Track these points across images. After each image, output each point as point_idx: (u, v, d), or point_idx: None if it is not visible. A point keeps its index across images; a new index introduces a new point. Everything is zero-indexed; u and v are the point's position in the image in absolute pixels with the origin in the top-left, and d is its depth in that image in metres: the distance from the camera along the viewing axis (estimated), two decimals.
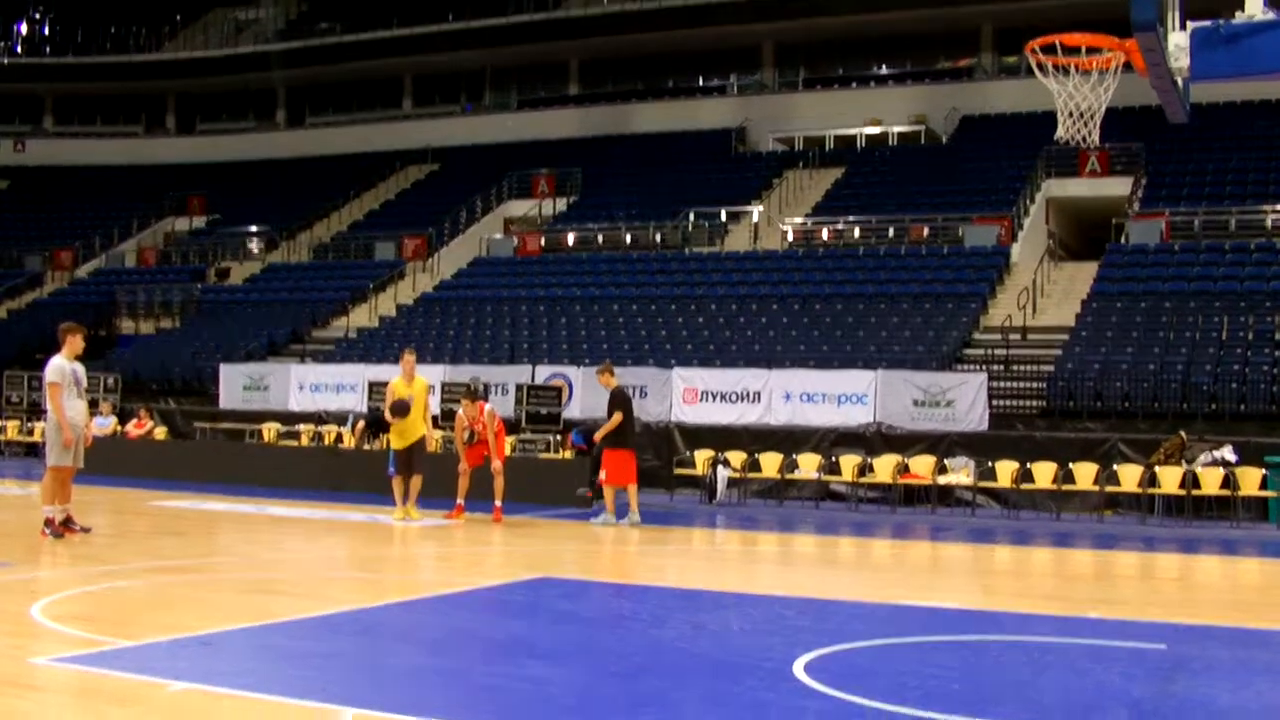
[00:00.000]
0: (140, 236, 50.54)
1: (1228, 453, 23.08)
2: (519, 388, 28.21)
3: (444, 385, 29.05)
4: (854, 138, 47.62)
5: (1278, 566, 17.77)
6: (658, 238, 40.51)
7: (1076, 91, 13.71)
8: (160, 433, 31.37)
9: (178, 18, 59.16)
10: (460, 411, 20.47)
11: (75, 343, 15.91)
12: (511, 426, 25.90)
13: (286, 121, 58.38)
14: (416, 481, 19.59)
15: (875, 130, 47.31)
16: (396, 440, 19.72)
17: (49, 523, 15.53)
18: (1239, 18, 12.75)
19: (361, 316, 39.00)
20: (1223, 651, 10.42)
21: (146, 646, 8.95)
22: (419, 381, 19.86)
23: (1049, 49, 13.73)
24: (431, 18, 51.59)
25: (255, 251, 47.02)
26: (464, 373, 29.85)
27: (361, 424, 27.74)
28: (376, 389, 29.60)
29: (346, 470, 25.61)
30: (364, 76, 55.23)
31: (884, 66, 50.12)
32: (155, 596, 11.65)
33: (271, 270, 44.97)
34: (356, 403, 30.65)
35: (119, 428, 30.51)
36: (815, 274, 35.51)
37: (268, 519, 20.03)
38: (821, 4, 46.77)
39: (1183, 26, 12.84)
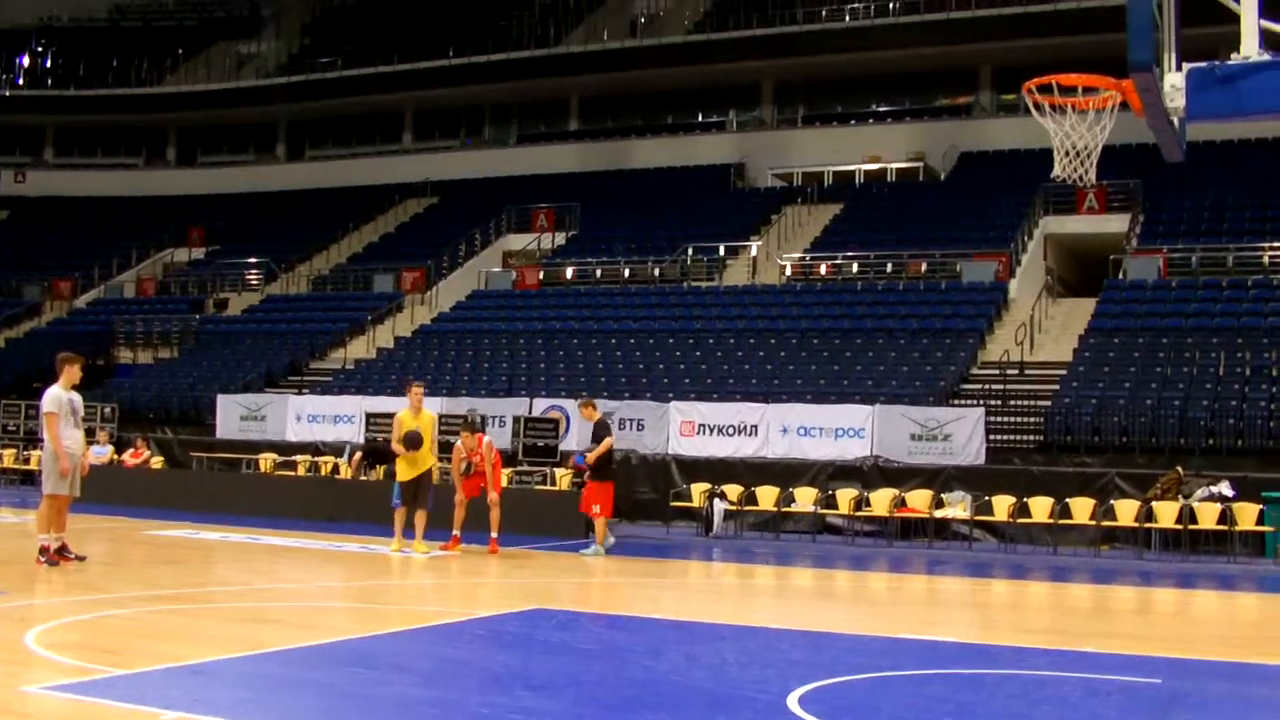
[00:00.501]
0: (140, 267, 50.57)
1: (1225, 488, 23.07)
2: (516, 420, 28.22)
3: (441, 417, 28.99)
4: (852, 174, 47.67)
5: (1274, 601, 17.76)
6: (656, 272, 40.55)
7: (1073, 130, 13.73)
8: (157, 462, 31.35)
9: (180, 51, 59.34)
10: (458, 443, 20.50)
11: (73, 372, 15.95)
12: (508, 459, 25.92)
13: (287, 154, 58.51)
14: (423, 516, 19.41)
15: (874, 166, 47.37)
16: (405, 471, 19.52)
17: (44, 551, 15.53)
18: (1234, 59, 12.79)
19: (359, 348, 39.00)
20: (1218, 686, 10.43)
21: (139, 675, 8.94)
22: (426, 414, 19.85)
23: (1045, 88, 13.75)
24: (432, 53, 51.71)
25: (254, 283, 47.03)
26: (461, 405, 29.86)
27: (358, 455, 27.77)
28: (374, 420, 29.68)
29: (343, 501, 25.58)
30: (364, 110, 55.37)
31: (883, 104, 50.23)
32: (149, 625, 11.64)
33: (270, 301, 45.00)
34: (353, 434, 30.67)
35: (116, 456, 30.47)
36: (813, 309, 35.54)
37: (263, 549, 20.01)
38: (821, 42, 46.90)
39: (1179, 67, 12.88)
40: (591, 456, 20.73)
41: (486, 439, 20.54)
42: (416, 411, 19.61)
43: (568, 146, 52.18)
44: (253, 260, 47.60)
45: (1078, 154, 13.74)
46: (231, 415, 33.47)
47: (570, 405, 29.40)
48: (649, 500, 26.16)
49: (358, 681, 9.27)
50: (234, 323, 43.25)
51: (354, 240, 49.37)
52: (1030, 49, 41.03)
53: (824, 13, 47.34)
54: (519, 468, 26.48)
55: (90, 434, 26.11)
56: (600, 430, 20.68)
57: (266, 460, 30.36)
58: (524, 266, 43.19)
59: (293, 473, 29.39)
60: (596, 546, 20.10)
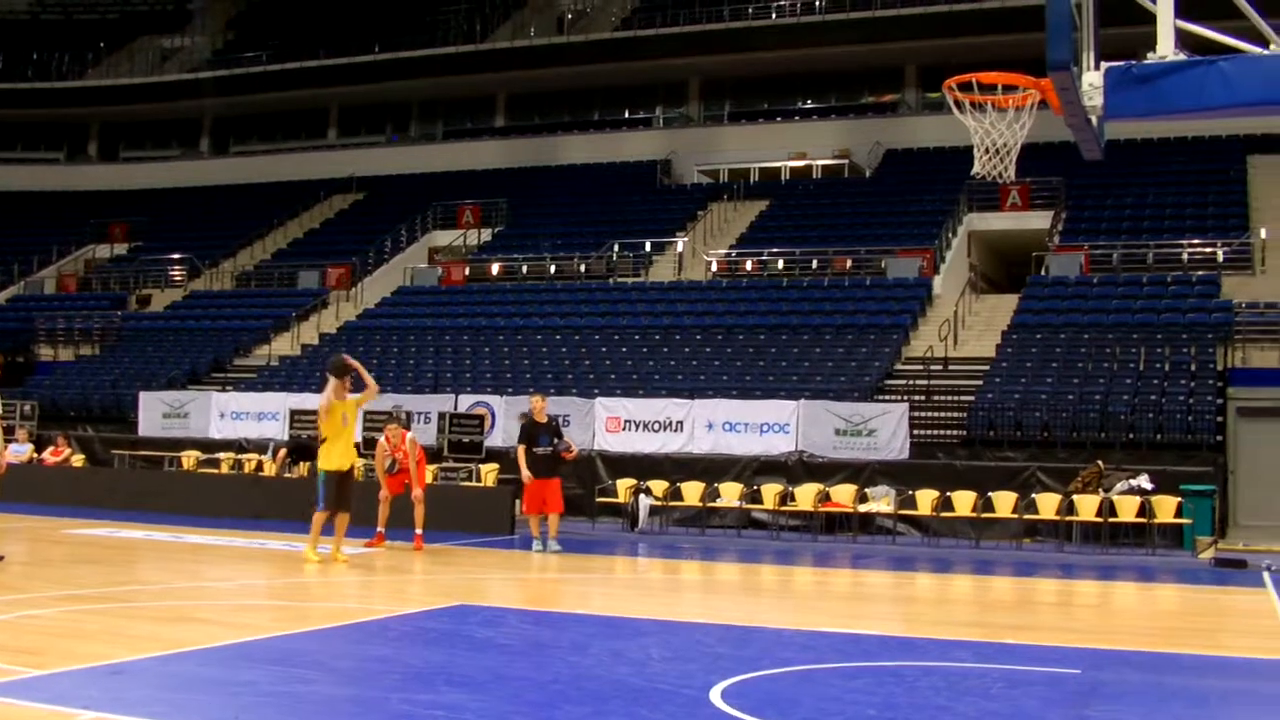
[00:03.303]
0: (61, 264, 49.93)
1: (1144, 481, 23.39)
2: (441, 416, 28.18)
3: (366, 414, 28.92)
4: (779, 170, 47.84)
5: (1192, 592, 17.98)
6: (583, 268, 40.54)
7: (993, 128, 13.85)
8: (78, 460, 30.97)
9: (102, 44, 58.68)
10: (381, 439, 20.41)
11: None
12: (434, 455, 25.85)
13: (211, 149, 57.94)
14: (343, 520, 18.02)
15: (800, 164, 47.54)
16: (330, 459, 17.87)
17: None
18: (1151, 58, 12.93)
19: (284, 345, 38.75)
20: (1136, 676, 10.55)
21: (57, 675, 8.85)
22: (353, 398, 18.33)
23: (966, 86, 13.86)
24: (358, 49, 51.45)
25: (177, 279, 46.56)
26: (387, 401, 29.67)
27: (283, 452, 27.61)
28: (298, 417, 29.54)
29: (267, 499, 25.38)
30: (290, 106, 54.92)
31: (809, 101, 50.37)
32: (69, 626, 11.51)
33: (194, 298, 44.60)
34: (278, 431, 30.51)
35: (35, 455, 30.11)
36: (739, 305, 35.65)
37: (186, 547, 19.83)
38: (748, 39, 47.05)
39: (1097, 66, 13.01)
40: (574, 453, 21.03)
41: (410, 435, 20.47)
42: (341, 399, 17.96)
43: (495, 143, 52.05)
44: (176, 256, 47.14)
45: (997, 151, 13.86)
46: (154, 413, 33.18)
47: (495, 400, 29.46)
48: (574, 496, 26.12)
49: (278, 680, 9.21)
50: (157, 319, 42.83)
51: (279, 236, 49.01)
52: (955, 48, 41.35)
53: (751, 10, 47.49)
54: (444, 464, 26.40)
55: (10, 432, 25.81)
56: (556, 425, 20.84)
57: (190, 458, 30.13)
58: (450, 263, 43.07)
59: (216, 470, 29.16)
60: (551, 541, 20.09)
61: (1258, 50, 12.80)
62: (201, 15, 60.70)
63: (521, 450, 20.31)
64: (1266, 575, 19.04)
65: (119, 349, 40.49)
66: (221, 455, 29.97)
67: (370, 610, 13.41)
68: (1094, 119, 13.30)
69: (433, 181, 49.01)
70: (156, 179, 55.43)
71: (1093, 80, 12.86)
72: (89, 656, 9.59)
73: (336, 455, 18.01)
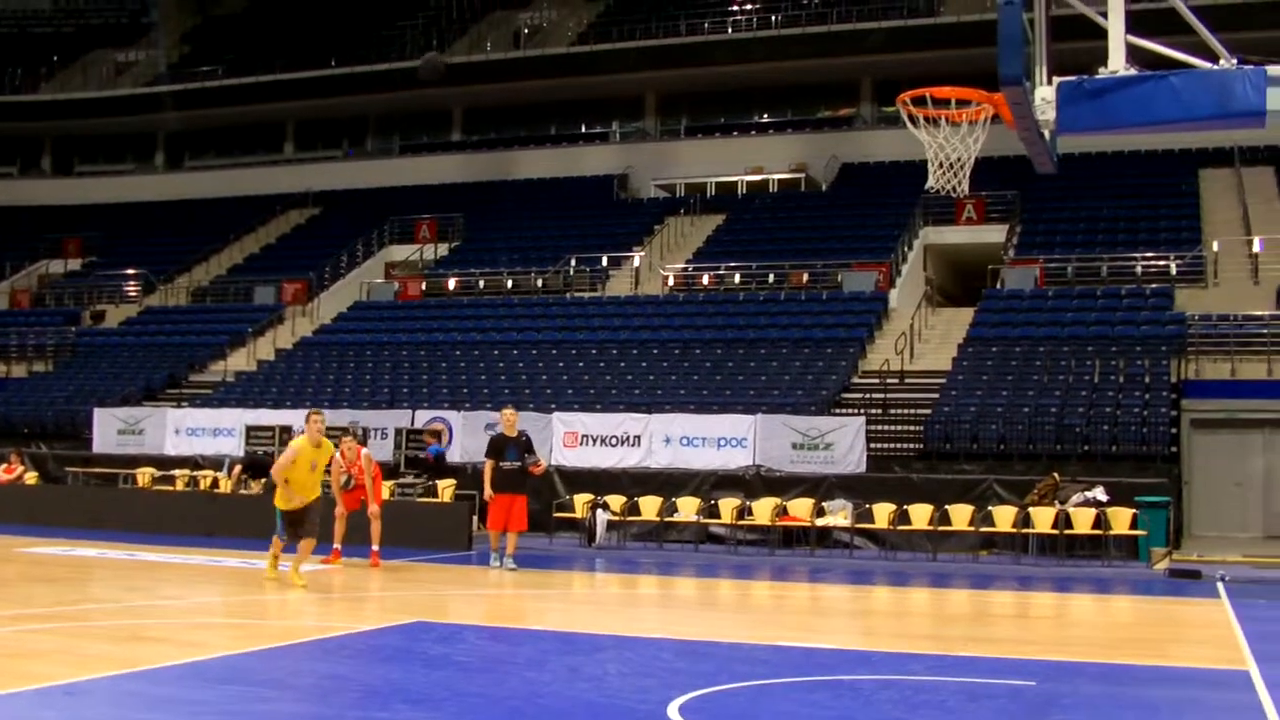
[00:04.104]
0: (14, 279, 49.59)
1: (1099, 493, 23.52)
2: (398, 432, 28.09)
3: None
4: (735, 185, 47.93)
5: (1147, 604, 18.07)
6: (540, 283, 40.51)
7: (947, 143, 13.95)
8: (31, 477, 30.69)
9: (56, 58, 58.32)
10: (337, 455, 20.30)
11: None
12: (391, 471, 25.76)
13: (166, 164, 57.64)
14: (308, 544, 17.10)
15: (756, 177, 47.66)
16: (284, 500, 17.19)
17: None
18: (1103, 73, 13.07)
19: (240, 361, 38.57)
20: (1092, 687, 10.59)
21: (10, 696, 8.75)
22: (327, 445, 17.55)
23: (920, 101, 13.96)
24: (314, 63, 51.31)
25: (132, 295, 46.31)
26: (343, 417, 29.58)
27: (238, 468, 27.45)
28: (254, 433, 29.40)
29: (222, 515, 25.24)
30: (245, 120, 54.68)
31: (765, 115, 50.54)
32: (22, 645, 11.40)
33: (149, 313, 44.34)
34: (234, 447, 30.33)
35: None
36: (696, 319, 35.70)
37: (141, 565, 19.68)
38: (704, 54, 47.17)
39: (1049, 81, 13.14)
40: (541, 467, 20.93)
41: (365, 451, 20.38)
42: (317, 444, 17.14)
43: (451, 157, 51.96)
44: (131, 272, 46.88)
45: (952, 165, 13.95)
46: (109, 429, 32.94)
47: (453, 416, 29.37)
48: (532, 511, 25.97)
49: (233, 699, 9.14)
50: (111, 335, 42.56)
51: (234, 251, 48.79)
52: (910, 62, 41.54)
53: (707, 25, 47.64)
54: (401, 480, 26.31)
55: None
56: (527, 439, 20.63)
57: (144, 475, 29.91)
58: (407, 277, 42.98)
59: (171, 487, 28.96)
60: (508, 559, 19.93)
61: (1207, 65, 12.94)
62: (156, 29, 60.37)
63: (489, 465, 20.13)
64: (1220, 586, 19.15)
65: (73, 365, 40.22)
66: (177, 472, 29.77)
67: (327, 628, 13.35)
68: (1047, 133, 13.43)
69: (389, 196, 48.91)
70: (111, 194, 55.05)
71: (1045, 95, 12.99)
72: (42, 677, 9.49)
73: (293, 497, 17.12)
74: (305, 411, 19.08)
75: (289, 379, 35.68)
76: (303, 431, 17.96)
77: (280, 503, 17.29)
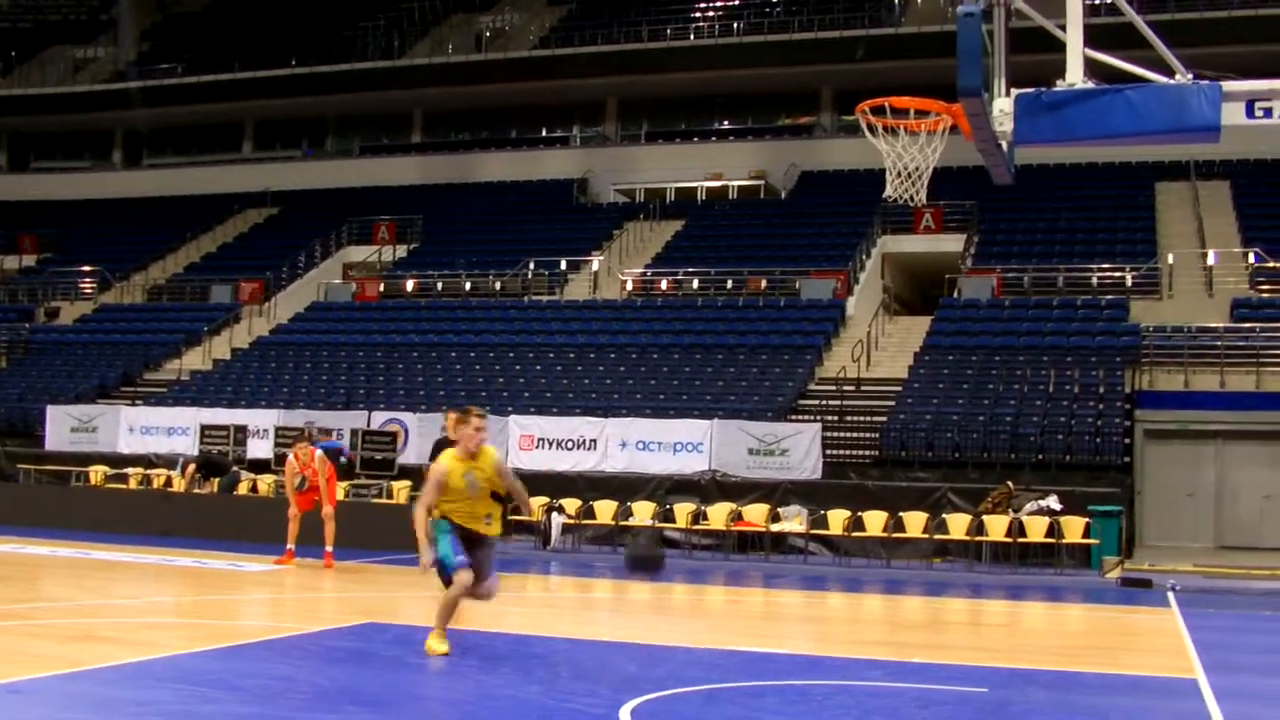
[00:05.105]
0: None
1: (1052, 502, 23.66)
2: (354, 433, 28.01)
3: (278, 430, 28.81)
4: (695, 191, 47.98)
5: (1098, 612, 18.18)
6: (498, 286, 40.48)
7: (905, 152, 14.01)
8: None
9: (13, 54, 57.87)
10: (291, 457, 20.23)
11: None
12: (346, 472, 25.67)
13: (124, 161, 57.24)
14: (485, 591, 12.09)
15: (716, 184, 47.71)
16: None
17: None
18: (1060, 86, 13.15)
19: (195, 360, 38.38)
20: (1043, 695, 10.64)
21: None
22: (488, 454, 11.88)
23: (879, 110, 14.02)
24: (274, 62, 51.04)
25: (88, 292, 46.03)
26: (299, 417, 29.52)
27: (192, 467, 27.31)
28: (209, 432, 29.28)
29: (176, 514, 25.12)
30: (204, 119, 54.34)
31: (726, 122, 50.59)
32: None
33: (104, 311, 44.08)
34: (188, 446, 30.19)
35: None
36: (654, 324, 35.72)
37: (93, 564, 19.55)
38: (665, 60, 47.14)
39: (1007, 93, 13.21)
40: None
41: (319, 452, 20.30)
42: (472, 455, 11.80)
43: (411, 159, 51.81)
44: (87, 269, 46.59)
45: (909, 175, 14.00)
46: (62, 427, 32.72)
47: (409, 417, 29.31)
48: None
49: (182, 699, 9.09)
50: (66, 332, 42.28)
51: (192, 250, 48.52)
52: (871, 71, 41.62)
53: (669, 31, 47.62)
54: (356, 481, 26.23)
55: None
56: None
57: (97, 473, 29.74)
58: (364, 279, 42.87)
59: (125, 486, 28.80)
60: None
61: (1164, 80, 13.03)
62: (115, 26, 59.97)
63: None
64: (1171, 595, 19.29)
65: (26, 362, 39.94)
66: (130, 470, 29.63)
67: (278, 628, 13.29)
68: (1004, 144, 13.50)
69: (348, 197, 48.73)
70: (67, 190, 54.66)
71: (1003, 106, 13.05)
72: None
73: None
74: (448, 411, 13.33)
75: (244, 379, 35.53)
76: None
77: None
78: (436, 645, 11.43)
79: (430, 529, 11.72)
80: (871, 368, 32.05)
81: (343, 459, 25.61)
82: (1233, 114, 13.28)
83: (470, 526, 11.77)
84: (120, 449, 31.67)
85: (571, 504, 25.68)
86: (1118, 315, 32.75)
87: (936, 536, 23.88)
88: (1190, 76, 13.19)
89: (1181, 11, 39.06)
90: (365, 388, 33.59)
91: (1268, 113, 13.31)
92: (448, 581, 11.55)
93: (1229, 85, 13.22)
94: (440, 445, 20.06)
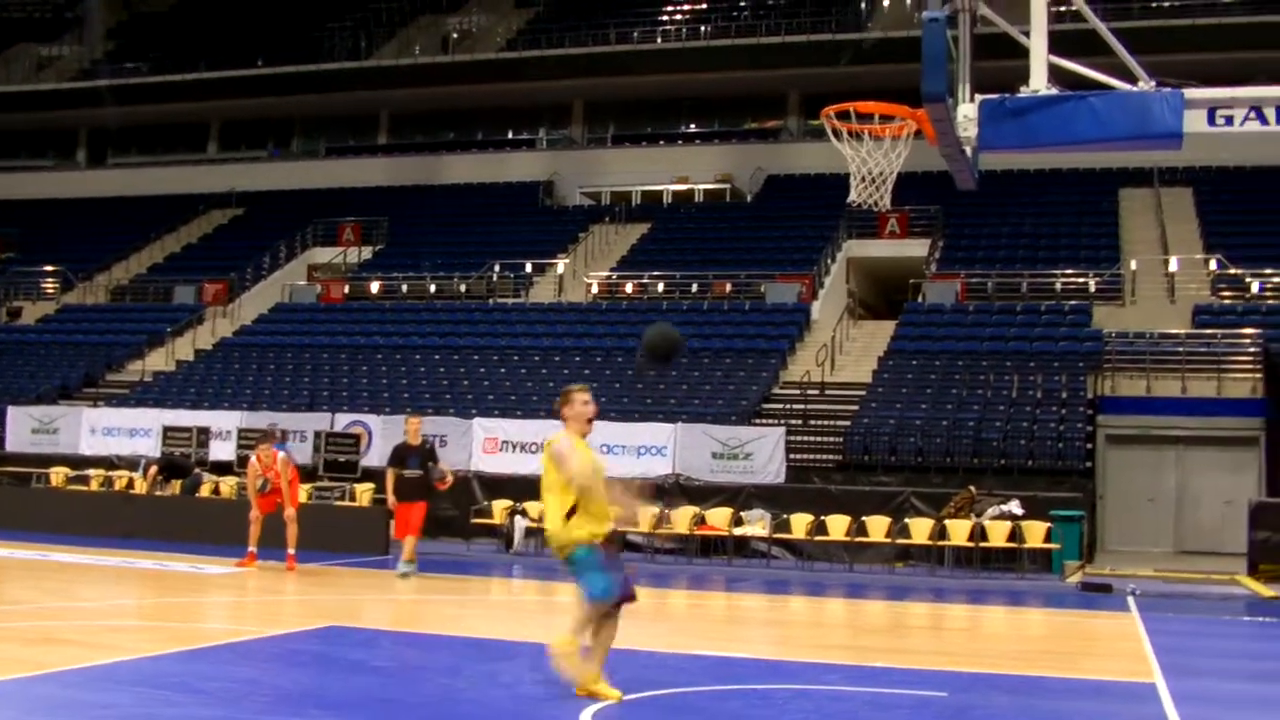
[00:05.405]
0: None
1: (1014, 507, 23.74)
2: (318, 435, 27.94)
3: (241, 431, 28.71)
4: (661, 194, 47.98)
5: (1059, 616, 18.26)
6: (463, 288, 40.44)
7: (869, 157, 14.04)
8: None
9: None
10: (253, 459, 20.16)
11: None
12: (309, 474, 25.60)
13: (88, 160, 56.93)
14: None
15: (682, 187, 47.72)
16: (587, 526, 10.18)
17: None
18: (1024, 92, 13.20)
19: (158, 360, 38.21)
20: (1003, 699, 10.70)
21: None
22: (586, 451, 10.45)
23: (844, 115, 14.06)
24: (240, 62, 50.84)
25: (50, 292, 45.77)
26: (262, 419, 29.40)
27: (154, 469, 27.16)
28: (171, 434, 29.15)
29: (138, 516, 24.99)
30: (170, 118, 54.09)
31: (692, 125, 50.66)
32: None
33: (67, 311, 43.85)
34: (151, 448, 30.04)
35: None
36: (619, 327, 35.71)
37: (54, 566, 19.43)
38: (632, 63, 47.17)
39: (972, 99, 13.26)
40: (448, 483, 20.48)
41: (282, 454, 20.23)
42: (586, 434, 10.60)
43: (377, 160, 51.70)
44: (49, 269, 46.32)
45: (874, 180, 14.03)
46: (22, 427, 32.53)
47: (373, 420, 29.27)
48: (450, 517, 25.98)
49: (143, 702, 9.06)
50: (28, 332, 42.05)
51: (155, 250, 48.29)
52: (838, 76, 41.72)
53: (636, 34, 47.66)
54: (319, 483, 26.16)
55: None
56: (431, 449, 20.37)
57: (59, 474, 29.55)
58: (329, 280, 42.76)
59: (86, 487, 28.63)
60: (404, 564, 19.65)
61: (1127, 87, 13.11)
62: (80, 24, 59.66)
63: (390, 473, 19.92)
64: (1131, 600, 19.39)
65: None
66: (92, 472, 29.43)
67: (240, 631, 13.25)
68: (969, 150, 13.54)
69: (313, 198, 48.56)
70: (31, 190, 54.25)
71: (967, 112, 13.10)
72: None
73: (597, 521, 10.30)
74: (566, 391, 10.86)
75: (208, 380, 35.40)
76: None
77: (581, 531, 10.13)
78: (608, 691, 9.67)
79: (574, 556, 10.09)
80: (835, 372, 32.13)
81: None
82: (1195, 121, 13.36)
83: (604, 529, 10.16)
84: (82, 450, 31.49)
85: (535, 507, 25.59)
86: (1081, 321, 32.94)
87: (899, 541, 23.93)
88: (1153, 84, 13.27)
89: (1145, 19, 39.34)
90: (329, 389, 33.50)
91: (1229, 120, 13.39)
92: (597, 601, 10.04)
93: (1191, 93, 13.30)
94: (399, 449, 20.07)
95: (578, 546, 10.00)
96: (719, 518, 24.94)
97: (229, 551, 19.94)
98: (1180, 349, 30.43)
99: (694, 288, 38.05)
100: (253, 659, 11.50)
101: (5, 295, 45.43)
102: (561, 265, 41.04)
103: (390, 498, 19.77)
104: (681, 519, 24.89)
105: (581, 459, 10.08)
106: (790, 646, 14.40)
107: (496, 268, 40.69)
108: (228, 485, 27.38)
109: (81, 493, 28.10)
